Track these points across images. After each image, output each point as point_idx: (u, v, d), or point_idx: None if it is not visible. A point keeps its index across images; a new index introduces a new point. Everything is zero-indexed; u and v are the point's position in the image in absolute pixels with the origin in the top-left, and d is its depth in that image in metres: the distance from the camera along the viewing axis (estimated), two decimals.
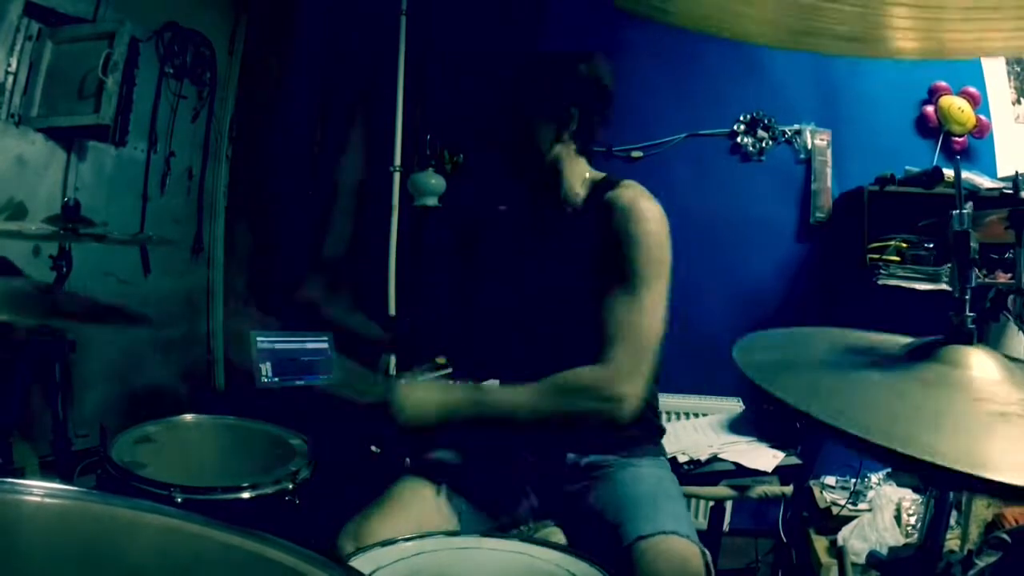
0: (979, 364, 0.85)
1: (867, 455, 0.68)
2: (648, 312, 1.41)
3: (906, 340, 0.94)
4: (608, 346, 1.39)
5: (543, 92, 1.55)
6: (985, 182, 2.88)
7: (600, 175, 1.61)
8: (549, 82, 1.55)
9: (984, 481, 0.63)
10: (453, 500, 1.45)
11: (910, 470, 0.76)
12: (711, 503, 2.32)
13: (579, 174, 1.59)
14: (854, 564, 2.16)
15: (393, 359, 2.92)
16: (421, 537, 1.17)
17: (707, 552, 1.32)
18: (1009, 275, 2.70)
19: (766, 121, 3.27)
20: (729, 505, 2.64)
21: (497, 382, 1.57)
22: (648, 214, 1.46)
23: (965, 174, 2.72)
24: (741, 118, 3.29)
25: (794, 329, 1.05)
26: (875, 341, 0.98)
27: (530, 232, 1.63)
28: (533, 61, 1.67)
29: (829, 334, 1.05)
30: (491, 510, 1.48)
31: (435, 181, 3.24)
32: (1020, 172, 2.03)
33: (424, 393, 1.44)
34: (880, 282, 2.86)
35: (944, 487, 0.89)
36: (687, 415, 2.95)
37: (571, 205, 1.58)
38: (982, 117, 3.16)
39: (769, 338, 1.01)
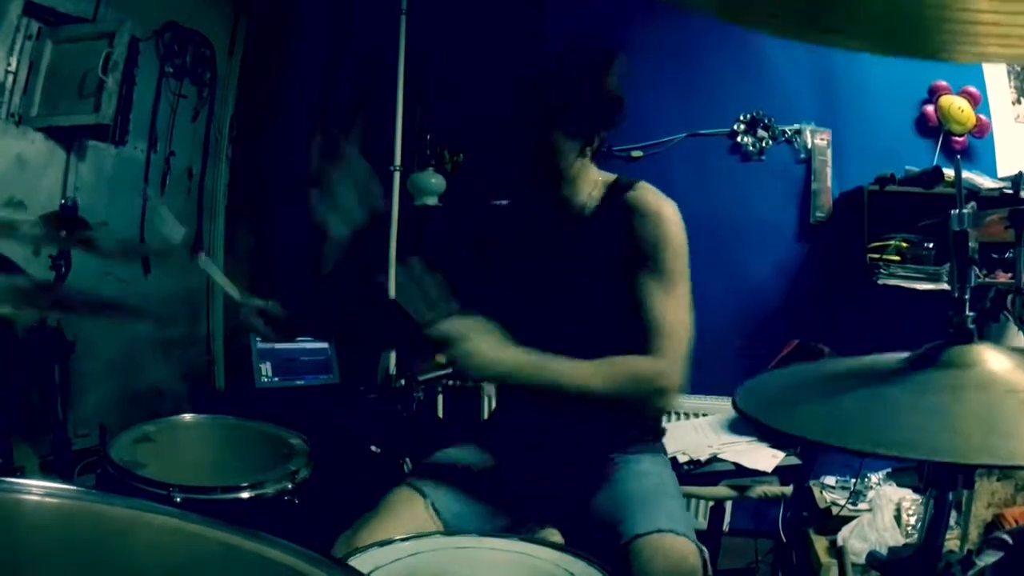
0: (989, 358, 0.83)
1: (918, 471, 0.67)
2: (684, 308, 1.49)
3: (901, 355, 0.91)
4: (655, 339, 1.45)
5: (572, 118, 1.48)
6: (985, 182, 2.88)
7: (611, 177, 1.59)
8: (579, 106, 1.47)
9: None
10: (446, 509, 1.43)
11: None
12: (711, 503, 2.32)
13: (592, 179, 1.58)
14: (854, 564, 2.15)
15: (393, 356, 2.93)
16: (418, 537, 1.17)
17: (704, 549, 1.32)
18: (1009, 275, 2.70)
19: (766, 121, 3.27)
20: (729, 505, 2.63)
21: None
22: (674, 216, 1.52)
23: (965, 174, 2.71)
24: (741, 118, 3.29)
25: (779, 370, 1.03)
26: (870, 361, 0.95)
27: (540, 233, 1.60)
28: (557, 80, 1.49)
29: (820, 366, 1.05)
30: (484, 518, 1.47)
31: (435, 181, 3.24)
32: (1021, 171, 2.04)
33: (496, 343, 1.38)
34: (880, 282, 2.86)
35: None
36: (687, 415, 2.95)
37: (582, 206, 1.56)
38: (982, 117, 3.16)
39: (766, 382, 0.99)
